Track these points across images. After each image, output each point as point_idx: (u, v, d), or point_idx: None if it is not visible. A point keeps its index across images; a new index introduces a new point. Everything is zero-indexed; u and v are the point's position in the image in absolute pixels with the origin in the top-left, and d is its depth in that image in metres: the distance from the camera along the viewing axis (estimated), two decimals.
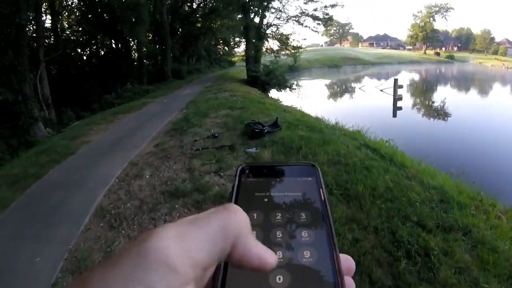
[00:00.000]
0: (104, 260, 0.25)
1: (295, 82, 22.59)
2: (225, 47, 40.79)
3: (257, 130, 6.58)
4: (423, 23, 74.52)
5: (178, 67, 26.04)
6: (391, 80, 31.21)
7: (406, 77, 38.63)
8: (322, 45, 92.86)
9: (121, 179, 5.44)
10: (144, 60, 24.41)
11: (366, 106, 20.27)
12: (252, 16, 22.21)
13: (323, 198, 0.36)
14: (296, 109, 12.32)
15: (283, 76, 20.46)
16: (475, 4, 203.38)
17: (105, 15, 21.19)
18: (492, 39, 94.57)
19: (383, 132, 10.00)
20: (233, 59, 40.88)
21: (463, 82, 37.63)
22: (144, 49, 24.29)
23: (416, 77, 41.63)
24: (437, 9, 73.64)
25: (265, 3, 22.25)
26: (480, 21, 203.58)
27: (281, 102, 15.28)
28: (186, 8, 30.70)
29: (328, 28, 25.54)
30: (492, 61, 71.97)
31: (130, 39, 22.90)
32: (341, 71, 42.79)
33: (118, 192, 4.99)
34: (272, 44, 25.00)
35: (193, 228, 0.27)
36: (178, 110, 10.81)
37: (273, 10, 23.50)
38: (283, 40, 24.51)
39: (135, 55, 25.65)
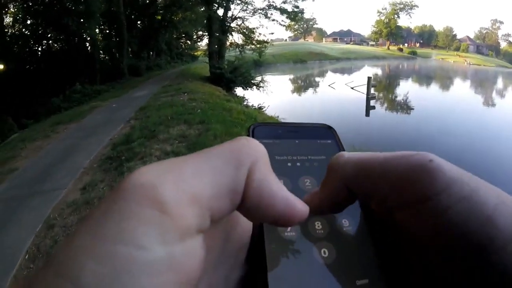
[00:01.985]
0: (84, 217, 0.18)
1: (260, 78, 21.46)
2: (188, 41, 38.82)
3: None
4: (387, 19, 76.20)
5: (136, 63, 23.96)
6: (359, 76, 31.52)
7: (371, 72, 38.50)
8: (286, 40, 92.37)
9: (31, 256, 3.70)
10: (100, 56, 22.34)
11: (336, 104, 19.53)
12: (215, 8, 20.58)
13: None
14: (271, 118, 11.13)
15: (249, 73, 19.02)
16: (438, 2, 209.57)
17: (55, 8, 18.71)
18: (454, 36, 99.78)
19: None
20: (196, 54, 39.06)
21: (427, 77, 38.75)
22: (98, 44, 22.19)
23: (381, 72, 42.15)
24: (402, 6, 75.84)
25: None
26: (443, 18, 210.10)
27: (249, 104, 14.08)
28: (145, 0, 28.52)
29: (294, 22, 24.56)
30: (454, 57, 76.33)
31: (83, 34, 20.69)
32: (307, 66, 42.24)
33: None
34: (237, 38, 23.40)
35: (192, 159, 0.21)
36: (125, 122, 8.88)
37: (238, 2, 21.93)
38: (249, 34, 23.00)
39: (89, 51, 23.35)
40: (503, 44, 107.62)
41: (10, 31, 20.31)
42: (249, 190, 0.21)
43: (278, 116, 11.96)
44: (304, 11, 23.28)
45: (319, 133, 0.36)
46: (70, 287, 0.14)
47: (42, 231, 4.11)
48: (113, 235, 0.16)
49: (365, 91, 18.97)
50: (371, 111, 17.17)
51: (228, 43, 23.00)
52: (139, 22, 28.06)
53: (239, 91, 18.83)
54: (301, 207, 0.22)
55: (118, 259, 0.15)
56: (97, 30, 22.61)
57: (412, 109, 19.29)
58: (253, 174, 0.21)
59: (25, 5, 19.79)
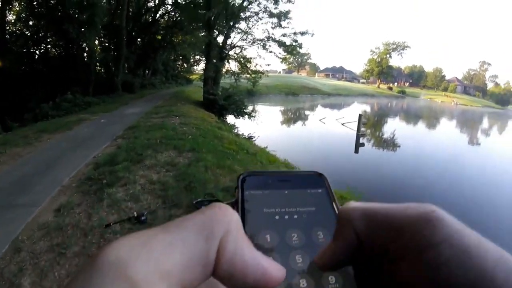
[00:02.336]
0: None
1: (252, 107, 21.49)
2: (184, 64, 38.98)
3: None
4: (380, 58, 78.04)
5: (131, 79, 23.91)
6: (349, 112, 32.16)
7: (360, 108, 39.79)
8: (280, 72, 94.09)
9: None
10: (96, 68, 22.13)
11: (327, 140, 19.59)
12: (216, 34, 20.84)
13: (337, 212, 0.33)
14: (262, 150, 10.79)
15: (242, 101, 19.10)
16: (429, 44, 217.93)
17: (58, 12, 18.65)
18: (443, 76, 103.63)
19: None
20: (191, 77, 38.89)
21: (415, 116, 40.29)
22: (95, 55, 21.95)
23: (370, 109, 42.99)
24: (394, 46, 77.69)
25: (231, 23, 21.07)
26: (433, 59, 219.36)
27: (239, 133, 14.03)
28: (149, 18, 28.73)
29: (290, 55, 24.78)
30: (442, 97, 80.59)
31: (82, 43, 20.50)
32: (298, 99, 42.77)
33: None
34: (233, 66, 23.76)
35: (162, 233, 0.21)
36: (111, 139, 8.55)
37: (239, 31, 22.35)
38: (245, 63, 23.33)
39: (86, 61, 23.17)
40: (490, 85, 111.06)
41: (11, 28, 20.14)
42: (221, 261, 0.21)
43: (267, 146, 11.92)
44: (302, 46, 23.57)
45: (310, 182, 0.36)
46: None
47: (8, 253, 3.69)
48: None
49: (355, 127, 19.14)
50: (361, 148, 17.30)
51: (224, 70, 23.20)
52: (139, 39, 28.11)
53: (230, 118, 18.83)
54: (276, 273, 0.23)
55: None
56: (96, 41, 22.59)
57: (399, 146, 19.65)
58: (225, 245, 0.22)
59: (29, 6, 19.73)
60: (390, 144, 20.82)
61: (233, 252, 0.22)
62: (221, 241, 0.22)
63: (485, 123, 44.74)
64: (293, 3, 21.81)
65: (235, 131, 14.80)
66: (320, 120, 26.56)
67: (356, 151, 16.96)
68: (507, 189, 12.43)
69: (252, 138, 14.40)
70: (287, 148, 13.92)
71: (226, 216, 0.23)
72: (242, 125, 17.35)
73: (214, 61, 21.21)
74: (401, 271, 0.23)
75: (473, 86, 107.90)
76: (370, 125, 27.78)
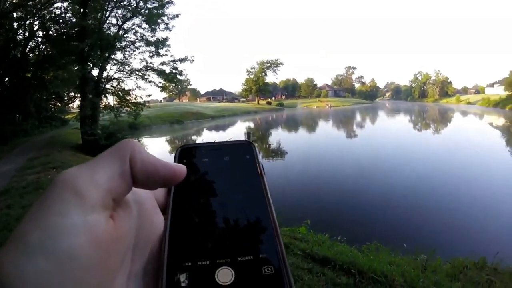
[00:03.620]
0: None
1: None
2: (58, 103, 34.27)
3: None
4: (256, 77, 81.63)
5: (1, 127, 19.96)
6: (234, 131, 33.26)
7: (244, 126, 42.18)
8: (161, 101, 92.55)
9: None
10: None
11: None
12: (90, 67, 19.20)
13: (259, 172, 0.38)
14: None
15: (125, 138, 17.88)
16: (299, 59, 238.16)
17: None
18: (315, 85, 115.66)
19: None
20: (66, 117, 34.61)
21: (295, 124, 44.57)
22: None
23: (253, 124, 45.13)
24: (268, 65, 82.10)
25: (107, 54, 19.68)
26: (304, 72, 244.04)
27: None
28: (17, 53, 24.45)
29: (170, 83, 23.87)
30: (317, 103, 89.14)
31: None
32: (184, 126, 42.54)
33: None
34: (111, 100, 22.02)
35: (97, 160, 0.29)
36: None
37: (115, 61, 21.02)
38: (125, 96, 21.86)
39: None
40: (357, 85, 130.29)
41: None
42: (135, 171, 0.30)
43: None
44: (183, 73, 23.14)
45: (239, 149, 0.42)
46: (19, 244, 0.23)
47: None
48: (46, 208, 0.25)
49: None
50: None
51: (102, 106, 21.49)
52: (6, 78, 24.25)
53: None
54: (179, 167, 0.33)
55: (50, 223, 0.24)
56: None
57: (286, 153, 21.51)
58: (134, 157, 0.30)
59: None
60: (278, 152, 22.50)
61: (141, 161, 0.30)
62: (131, 157, 0.30)
63: (358, 117, 51.90)
64: (170, 30, 21.53)
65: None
66: None
67: None
68: (381, 174, 14.61)
69: None
70: None
71: (130, 142, 0.31)
72: None
73: (90, 96, 19.54)
74: None
75: (342, 88, 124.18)
76: (257, 139, 29.14)
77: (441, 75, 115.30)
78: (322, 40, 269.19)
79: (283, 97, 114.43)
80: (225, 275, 0.28)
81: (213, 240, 0.31)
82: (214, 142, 0.43)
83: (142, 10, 20.36)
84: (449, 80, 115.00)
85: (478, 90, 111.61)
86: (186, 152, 0.40)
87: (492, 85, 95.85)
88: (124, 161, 0.30)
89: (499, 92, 76.81)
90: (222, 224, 0.33)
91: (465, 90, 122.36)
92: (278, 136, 31.07)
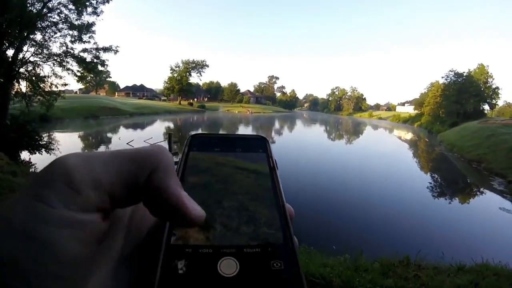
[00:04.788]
0: None
1: (48, 137, 18.11)
2: None
3: None
4: (180, 76, 79.78)
5: None
6: (153, 130, 31.80)
7: (164, 126, 40.52)
8: (76, 92, 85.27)
9: None
10: None
11: None
12: (5, 47, 16.54)
13: (272, 165, 0.38)
14: None
15: (36, 131, 15.50)
16: (224, 62, 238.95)
17: None
18: (238, 90, 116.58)
19: None
20: None
21: (215, 127, 44.35)
22: None
23: (173, 125, 43.76)
24: (194, 65, 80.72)
25: (25, 33, 17.00)
26: (228, 75, 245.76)
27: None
28: None
29: (88, 74, 21.36)
30: (238, 108, 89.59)
31: None
32: (99, 122, 39.39)
33: None
34: (24, 87, 19.03)
35: (104, 154, 0.26)
36: None
37: (34, 43, 18.19)
38: (39, 83, 19.08)
39: None
40: (278, 94, 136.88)
41: None
42: (147, 190, 0.26)
43: None
44: (105, 63, 21.23)
45: (252, 143, 0.40)
46: (3, 224, 0.22)
47: None
48: (38, 195, 0.23)
49: (166, 147, 18.43)
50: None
51: (13, 93, 18.39)
52: None
53: (24, 154, 15.14)
54: (195, 213, 0.27)
55: (38, 210, 0.22)
56: None
57: None
58: (153, 177, 0.26)
59: None
60: None
61: (158, 184, 0.26)
62: (150, 173, 0.26)
63: (277, 125, 53.41)
64: (98, 15, 19.49)
65: (32, 172, 12.10)
66: (127, 143, 24.81)
67: None
68: (299, 177, 14.81)
69: None
70: None
71: (160, 155, 0.28)
72: (38, 161, 14.39)
73: (2, 80, 16.68)
74: None
75: (264, 96, 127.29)
76: (177, 140, 27.98)
77: (356, 92, 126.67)
78: (247, 45, 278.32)
79: (206, 99, 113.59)
80: (228, 266, 0.26)
81: (219, 228, 0.29)
82: (228, 134, 0.43)
83: None
84: (363, 97, 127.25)
85: (390, 108, 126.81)
86: (197, 140, 0.40)
87: (403, 104, 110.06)
88: (142, 173, 0.26)
89: (409, 110, 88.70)
90: (230, 213, 0.31)
91: (377, 107, 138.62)
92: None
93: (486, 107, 51.40)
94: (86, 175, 0.24)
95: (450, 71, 51.89)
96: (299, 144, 30.16)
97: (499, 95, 50.91)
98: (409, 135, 46.56)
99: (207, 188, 0.33)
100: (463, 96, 48.34)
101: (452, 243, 8.16)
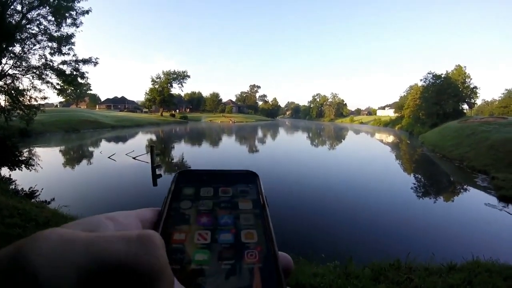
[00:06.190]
0: None
1: (28, 153, 17.70)
2: None
3: None
4: (161, 88, 79.26)
5: None
6: (135, 143, 31.48)
7: (145, 138, 40.07)
8: (57, 105, 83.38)
9: None
10: None
11: (121, 177, 18.12)
12: None
13: (262, 203, 0.37)
14: (55, 214, 8.60)
15: (16, 147, 15.12)
16: (205, 73, 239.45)
17: None
18: (220, 100, 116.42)
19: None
20: None
21: (198, 137, 43.62)
22: None
23: (156, 137, 43.39)
24: (175, 76, 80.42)
25: (4, 45, 16.82)
26: (209, 86, 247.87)
27: (18, 189, 11.64)
28: None
29: (68, 87, 21.13)
30: (221, 118, 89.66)
31: None
32: (81, 135, 38.58)
33: None
34: (3, 101, 18.75)
35: (88, 236, 0.23)
36: None
37: (12, 55, 18.04)
38: (18, 96, 18.77)
39: None
40: (260, 103, 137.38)
41: None
42: None
43: (60, 206, 9.96)
44: (86, 76, 21.20)
45: (242, 178, 0.39)
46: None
47: None
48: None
49: (148, 160, 18.37)
50: (159, 180, 16.61)
51: None
52: None
53: (4, 171, 14.76)
54: None
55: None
56: None
57: (190, 167, 20.32)
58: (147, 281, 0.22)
59: None
60: (181, 166, 21.38)
61: None
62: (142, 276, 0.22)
63: (260, 133, 53.79)
64: (77, 27, 19.37)
65: (12, 187, 11.88)
66: (109, 157, 24.29)
67: (155, 183, 16.13)
68: (285, 186, 14.71)
69: (34, 194, 11.74)
70: (79, 195, 12.66)
71: (154, 252, 0.24)
72: (18, 176, 14.07)
73: None
74: None
75: (246, 105, 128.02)
76: (160, 152, 27.74)
77: (337, 98, 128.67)
78: (229, 55, 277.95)
79: (188, 110, 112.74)
80: None
81: (206, 281, 0.28)
82: (217, 170, 0.41)
83: (51, 0, 17.88)
84: (344, 102, 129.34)
85: (370, 112, 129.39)
86: (185, 177, 0.39)
87: (383, 107, 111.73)
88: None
89: (390, 113, 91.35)
90: (216, 264, 0.29)
91: (358, 112, 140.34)
92: (181, 150, 30.32)
93: (466, 106, 52.79)
94: (59, 275, 0.20)
95: (428, 73, 53.39)
96: (283, 151, 30.39)
97: (478, 94, 52.62)
98: (390, 138, 47.34)
99: (193, 230, 0.32)
100: (442, 97, 49.63)
101: (442, 242, 8.24)
